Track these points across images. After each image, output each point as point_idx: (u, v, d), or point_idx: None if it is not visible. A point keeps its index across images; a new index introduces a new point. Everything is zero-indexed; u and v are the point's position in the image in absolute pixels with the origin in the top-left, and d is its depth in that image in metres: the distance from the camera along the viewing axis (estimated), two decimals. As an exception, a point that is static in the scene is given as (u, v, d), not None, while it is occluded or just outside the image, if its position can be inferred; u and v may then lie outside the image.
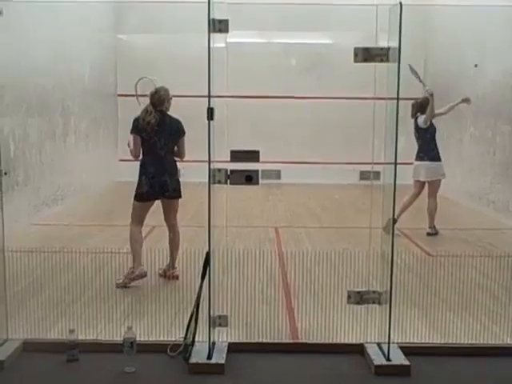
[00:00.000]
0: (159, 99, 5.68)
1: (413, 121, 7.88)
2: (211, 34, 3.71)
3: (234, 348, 4.02)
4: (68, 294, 4.91)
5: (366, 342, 4.11)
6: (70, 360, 3.88)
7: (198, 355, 3.88)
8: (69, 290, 4.95)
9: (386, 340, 3.95)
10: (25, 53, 8.03)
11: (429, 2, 12.50)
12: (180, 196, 5.78)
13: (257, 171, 3.87)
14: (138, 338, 3.88)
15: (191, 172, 10.76)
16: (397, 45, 3.76)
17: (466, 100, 8.02)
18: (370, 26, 4.06)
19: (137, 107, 12.77)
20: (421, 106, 7.89)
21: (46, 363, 3.88)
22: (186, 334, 4.00)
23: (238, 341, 4.18)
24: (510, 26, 8.74)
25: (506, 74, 9.07)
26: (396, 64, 3.77)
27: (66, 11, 9.09)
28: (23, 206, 8.19)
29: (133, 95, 12.88)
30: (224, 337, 4.11)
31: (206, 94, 3.75)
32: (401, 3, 3.72)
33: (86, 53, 10.93)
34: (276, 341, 4.28)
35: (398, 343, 4.05)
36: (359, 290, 4.13)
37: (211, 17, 3.69)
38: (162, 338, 4.22)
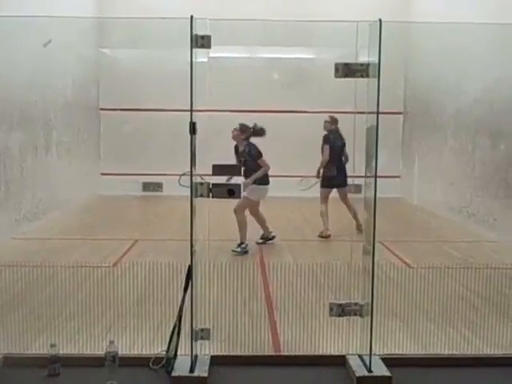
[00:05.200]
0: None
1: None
2: (194, 49, 3.75)
3: (216, 361, 4.02)
4: (49, 308, 4.87)
5: (348, 354, 4.12)
6: (52, 375, 3.85)
7: (181, 368, 3.87)
8: (50, 304, 4.91)
9: (368, 352, 3.97)
10: (7, 66, 8.01)
11: (410, 19, 12.67)
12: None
13: (239, 185, 3.92)
14: (120, 352, 3.86)
15: (173, 185, 10.79)
16: (377, 60, 3.82)
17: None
18: (351, 42, 4.14)
19: (119, 122, 12.88)
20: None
21: (27, 378, 3.85)
22: (169, 348, 4.00)
23: (220, 354, 4.18)
24: (491, 43, 8.90)
25: (486, 91, 9.22)
26: (376, 79, 3.84)
27: (49, 25, 9.10)
28: (4, 220, 8.14)
29: (115, 109, 12.97)
30: (206, 350, 4.11)
31: (189, 108, 3.78)
32: (380, 20, 3.79)
33: (69, 67, 10.92)
34: (258, 353, 4.28)
35: (379, 355, 4.07)
36: (341, 302, 4.15)
37: (194, 32, 3.73)
38: (144, 352, 4.21)
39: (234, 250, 7.55)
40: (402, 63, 12.95)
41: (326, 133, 8.85)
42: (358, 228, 8.55)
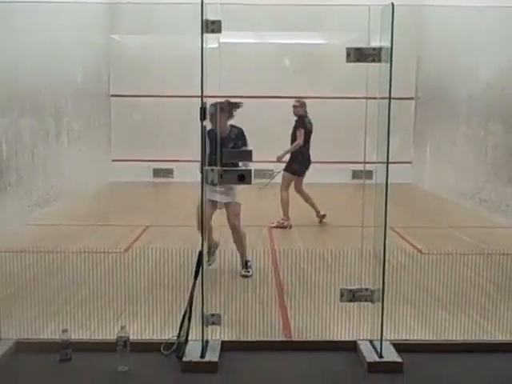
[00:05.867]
0: None
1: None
2: (204, 35, 3.72)
3: (227, 346, 4.03)
4: (61, 293, 4.91)
5: (359, 340, 4.12)
6: (63, 359, 3.87)
7: (192, 354, 3.89)
8: (62, 289, 4.95)
9: (379, 337, 3.96)
10: (17, 53, 8.02)
11: (422, 3, 12.54)
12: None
13: (250, 170, 3.90)
14: (131, 337, 3.88)
15: (183, 171, 10.79)
16: (389, 45, 3.78)
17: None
18: (363, 27, 4.09)
19: (130, 108, 12.86)
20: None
21: (39, 363, 3.88)
22: (180, 333, 4.01)
23: (231, 339, 4.19)
24: (504, 27, 8.79)
25: (499, 75, 9.13)
26: (388, 64, 3.79)
27: (59, 11, 9.09)
28: (16, 206, 8.18)
29: (126, 96, 12.97)
30: (217, 335, 4.12)
31: (199, 94, 3.76)
32: (392, 3, 3.74)
33: (79, 53, 10.91)
34: (269, 339, 4.29)
35: (390, 340, 4.07)
36: (352, 287, 4.14)
37: (204, 17, 3.70)
38: (155, 337, 4.23)
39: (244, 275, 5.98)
40: (414, 48, 12.83)
41: (296, 117, 8.41)
42: (320, 216, 8.58)
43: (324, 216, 8.61)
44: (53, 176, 9.64)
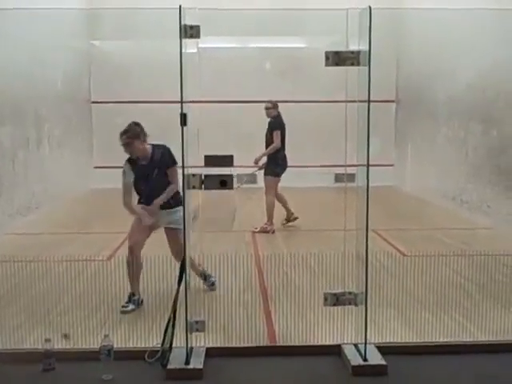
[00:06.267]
0: None
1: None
2: (183, 40, 3.72)
3: (211, 353, 4.03)
4: (43, 302, 4.85)
5: (343, 343, 4.14)
6: (47, 369, 3.84)
7: (176, 361, 3.88)
8: (44, 298, 4.89)
9: (363, 340, 3.98)
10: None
11: (401, 6, 12.63)
12: None
13: (231, 176, 3.89)
14: (115, 346, 3.85)
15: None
16: (367, 48, 3.81)
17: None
18: (342, 30, 4.11)
19: (111, 114, 12.78)
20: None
21: (22, 373, 3.84)
22: (164, 340, 3.99)
23: (215, 345, 4.18)
24: (483, 29, 8.88)
25: (479, 77, 9.21)
26: (366, 67, 3.82)
27: (38, 17, 9.03)
28: (-2, 215, 8.11)
29: (107, 102, 12.90)
30: (202, 342, 4.11)
31: (179, 99, 3.75)
32: (370, 7, 3.77)
33: (59, 59, 10.84)
34: (254, 344, 4.28)
35: (374, 343, 4.09)
36: (335, 291, 4.15)
37: (183, 22, 3.70)
38: (139, 345, 4.21)
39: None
40: (393, 51, 12.93)
41: (270, 119, 8.32)
42: (290, 219, 8.60)
43: (295, 219, 8.61)
44: (34, 183, 9.56)
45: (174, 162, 5.15)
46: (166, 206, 5.26)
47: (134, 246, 5.19)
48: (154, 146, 5.35)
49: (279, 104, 8.51)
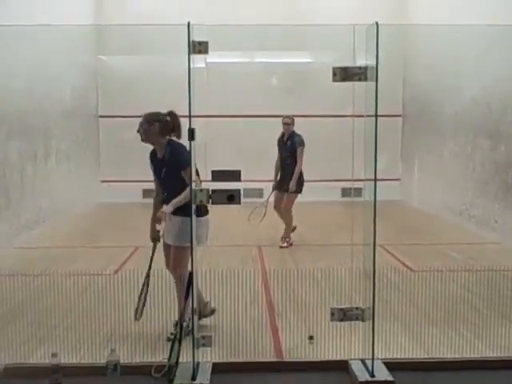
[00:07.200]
0: None
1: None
2: (191, 56, 3.75)
3: (218, 368, 4.01)
4: (50, 317, 4.86)
5: (351, 359, 4.11)
6: (53, 384, 3.84)
7: (183, 376, 3.86)
8: (51, 313, 4.90)
9: (370, 356, 3.96)
10: (5, 74, 8.01)
11: (407, 22, 12.69)
12: None
13: (238, 190, 3.89)
14: (121, 360, 3.85)
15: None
16: (374, 63, 3.82)
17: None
18: (349, 46, 4.13)
19: (118, 128, 12.83)
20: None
21: (29, 388, 3.84)
22: (170, 355, 3.98)
23: (222, 361, 4.16)
24: (488, 44, 8.90)
25: (484, 92, 9.22)
26: (374, 82, 3.83)
27: (47, 33, 9.10)
28: (4, 229, 8.12)
29: (114, 116, 12.96)
30: (208, 357, 4.10)
31: (187, 114, 3.77)
32: (377, 23, 3.79)
33: (67, 74, 10.92)
34: (260, 360, 4.26)
35: (381, 359, 4.06)
36: (342, 306, 4.14)
37: (191, 39, 3.74)
38: (145, 360, 4.20)
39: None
40: (400, 66, 12.97)
41: (290, 135, 8.19)
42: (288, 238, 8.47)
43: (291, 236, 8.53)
44: (42, 198, 9.60)
45: (186, 163, 4.04)
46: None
47: (168, 269, 4.89)
48: (169, 141, 4.72)
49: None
